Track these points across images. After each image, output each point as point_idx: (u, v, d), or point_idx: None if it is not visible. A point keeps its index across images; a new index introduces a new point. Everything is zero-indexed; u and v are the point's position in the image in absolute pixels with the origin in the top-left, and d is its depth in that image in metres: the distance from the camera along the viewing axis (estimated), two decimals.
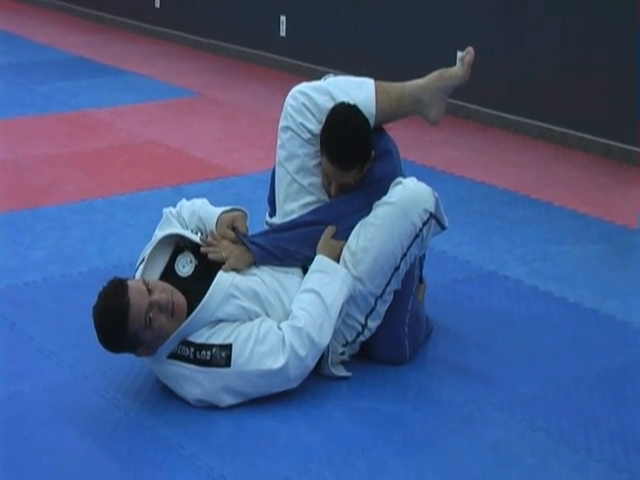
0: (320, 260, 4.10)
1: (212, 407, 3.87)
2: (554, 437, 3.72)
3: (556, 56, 7.22)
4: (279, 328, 3.89)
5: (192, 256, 4.10)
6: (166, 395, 3.96)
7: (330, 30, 8.85)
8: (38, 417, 3.86)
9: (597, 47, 6.96)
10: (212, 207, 4.36)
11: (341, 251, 4.15)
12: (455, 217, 4.58)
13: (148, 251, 4.15)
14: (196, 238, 4.16)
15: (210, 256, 4.06)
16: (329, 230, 4.18)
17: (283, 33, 9.39)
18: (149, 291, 3.80)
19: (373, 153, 4.26)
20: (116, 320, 3.75)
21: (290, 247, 4.19)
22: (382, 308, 4.15)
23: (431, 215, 4.14)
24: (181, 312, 3.86)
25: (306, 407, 3.89)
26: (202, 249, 4.09)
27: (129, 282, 3.83)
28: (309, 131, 4.28)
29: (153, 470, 3.55)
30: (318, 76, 4.86)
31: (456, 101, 7.84)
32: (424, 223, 4.12)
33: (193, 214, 4.32)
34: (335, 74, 4.56)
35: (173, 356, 3.86)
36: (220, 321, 3.88)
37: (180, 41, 10.61)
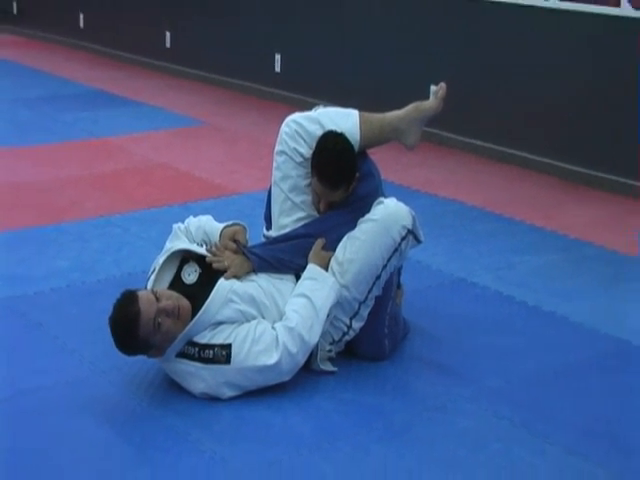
0: (311, 268, 4.10)
1: (214, 399, 3.86)
2: (516, 425, 3.71)
3: (517, 90, 7.22)
4: (273, 328, 3.90)
5: (197, 266, 4.11)
6: (174, 388, 3.95)
7: (319, 67, 8.86)
8: (62, 407, 3.85)
9: (544, 87, 6.98)
10: (215, 222, 4.38)
11: (329, 261, 4.15)
12: (429, 230, 4.57)
13: (160, 261, 4.15)
14: (202, 250, 4.16)
15: (214, 265, 4.07)
16: (319, 242, 4.19)
17: (278, 69, 9.39)
18: (157, 299, 3.80)
19: (357, 175, 4.26)
20: (128, 327, 3.76)
21: (285, 257, 4.20)
22: (365, 312, 4.14)
23: (409, 231, 4.15)
24: (186, 315, 3.87)
25: (297, 399, 3.88)
26: (207, 259, 4.10)
27: (139, 293, 3.83)
28: (301, 155, 4.29)
29: (162, 454, 3.54)
30: (309, 107, 4.85)
31: (431, 129, 7.84)
32: (402, 238, 4.13)
33: (199, 228, 4.35)
34: (324, 105, 4.57)
35: (180, 355, 3.86)
36: (221, 323, 3.88)
37: (187, 76, 10.61)
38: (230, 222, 4.35)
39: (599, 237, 5.74)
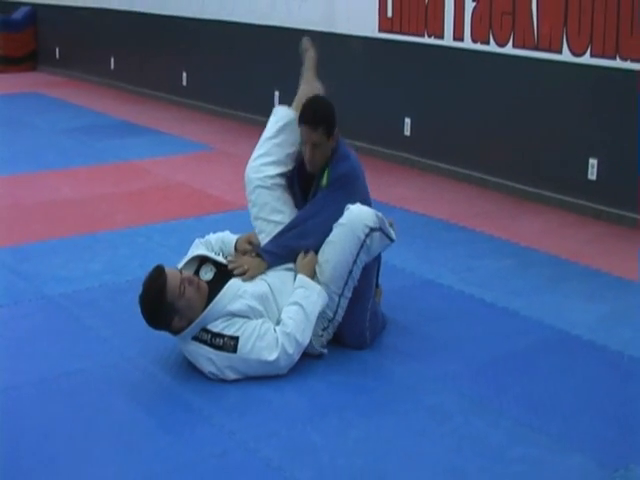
0: (301, 278, 4.09)
1: (223, 380, 3.87)
2: (475, 401, 3.72)
3: (477, 122, 7.25)
4: (275, 330, 3.91)
5: (212, 266, 4.15)
6: (189, 372, 3.96)
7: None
8: (96, 388, 3.86)
9: (498, 120, 7.01)
10: (231, 235, 4.43)
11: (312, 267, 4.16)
12: (403, 239, 4.58)
13: (182, 264, 4.18)
14: (219, 258, 4.20)
15: (236, 272, 4.08)
16: (302, 255, 4.17)
17: (277, 104, 9.38)
18: (181, 273, 3.91)
19: (336, 131, 4.30)
20: (158, 290, 3.80)
21: (293, 244, 4.20)
22: (344, 303, 4.14)
23: (371, 229, 4.12)
24: (204, 292, 3.93)
25: (294, 380, 3.89)
26: (229, 267, 4.11)
27: (165, 267, 3.91)
28: (271, 177, 4.31)
29: (179, 426, 3.55)
30: None
31: (403, 154, 7.86)
32: (366, 235, 4.10)
33: (218, 239, 4.39)
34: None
35: (195, 339, 3.87)
36: (232, 316, 3.88)
37: (200, 109, 10.61)
38: (243, 234, 4.41)
39: (545, 245, 5.74)
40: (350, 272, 4.11)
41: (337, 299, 4.13)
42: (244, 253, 4.25)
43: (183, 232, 5.88)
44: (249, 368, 3.87)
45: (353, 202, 4.19)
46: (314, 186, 4.37)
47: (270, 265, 4.17)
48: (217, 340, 3.85)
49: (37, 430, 3.51)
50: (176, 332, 3.91)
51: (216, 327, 3.86)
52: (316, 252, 4.19)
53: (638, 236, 5.93)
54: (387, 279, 4.68)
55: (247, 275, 4.07)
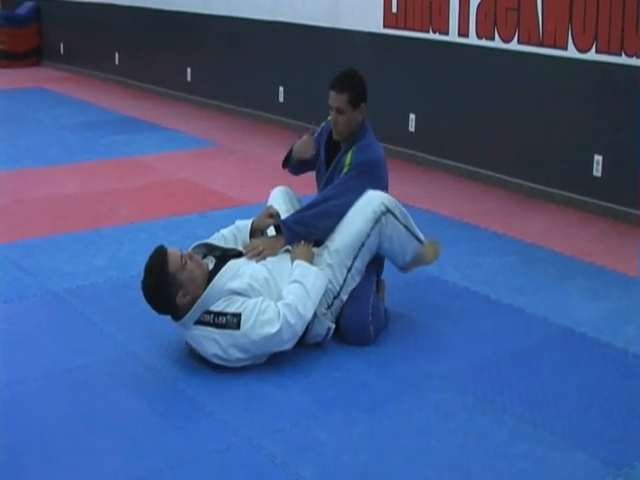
0: (298, 262, 4.13)
1: (227, 376, 3.86)
2: (479, 398, 3.72)
3: (482, 119, 7.24)
4: (276, 305, 3.91)
5: (212, 258, 4.17)
6: (193, 368, 3.96)
7: (316, 98, 8.85)
8: (100, 382, 3.87)
9: (504, 116, 7.00)
10: (244, 221, 4.43)
11: (312, 256, 4.20)
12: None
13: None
14: (226, 246, 4.23)
15: (251, 254, 4.12)
16: (297, 244, 4.23)
17: (281, 100, 9.40)
18: (180, 250, 3.94)
19: (363, 106, 4.43)
20: (160, 262, 3.83)
21: (311, 222, 4.25)
22: (351, 280, 4.19)
23: (387, 209, 4.21)
24: (205, 269, 3.96)
25: (297, 377, 3.89)
26: (244, 251, 4.16)
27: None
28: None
29: (183, 422, 3.55)
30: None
31: (407, 150, 7.86)
32: (382, 212, 4.20)
33: (230, 229, 4.37)
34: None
35: (197, 322, 3.87)
36: (233, 294, 3.88)
37: (205, 105, 10.61)
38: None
39: (550, 242, 5.74)
40: (362, 245, 4.18)
41: (345, 273, 4.18)
42: (266, 227, 4.29)
43: (187, 228, 5.88)
44: (253, 344, 3.86)
45: (374, 189, 4.31)
46: (336, 160, 4.47)
47: (286, 242, 4.23)
48: (220, 319, 3.85)
49: (41, 425, 3.51)
50: (179, 314, 3.89)
51: (218, 307, 3.86)
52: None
53: None
54: (391, 275, 4.67)
55: (262, 255, 4.13)
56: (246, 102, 9.97)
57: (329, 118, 4.61)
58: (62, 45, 13.97)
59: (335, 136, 4.50)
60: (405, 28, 7.72)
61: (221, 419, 3.54)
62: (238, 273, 3.95)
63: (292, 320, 3.89)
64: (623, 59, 6.01)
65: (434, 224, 6.11)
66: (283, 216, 4.39)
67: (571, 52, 6.35)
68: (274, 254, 4.19)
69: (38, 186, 7.11)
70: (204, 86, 10.69)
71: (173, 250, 3.91)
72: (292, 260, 4.18)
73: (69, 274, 5.10)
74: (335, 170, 4.48)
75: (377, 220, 4.19)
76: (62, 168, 7.72)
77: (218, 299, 3.88)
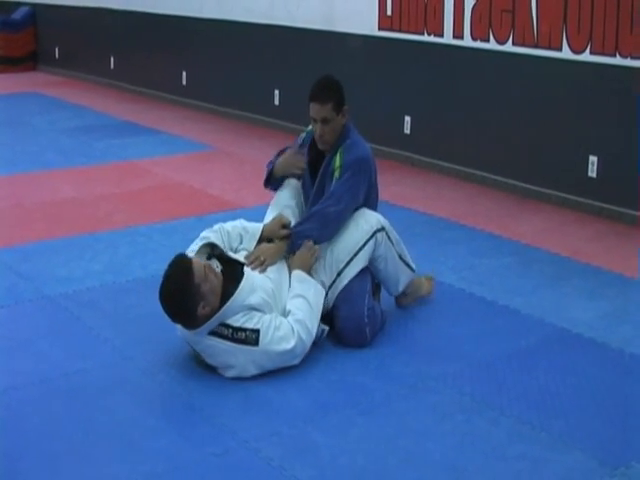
0: (297, 274, 4.16)
1: (224, 380, 3.87)
2: (476, 399, 3.73)
3: (477, 121, 7.25)
4: (289, 323, 3.93)
5: (217, 262, 4.13)
6: (190, 372, 3.96)
7: None
8: (96, 387, 3.86)
9: (500, 118, 7.01)
10: (251, 223, 4.39)
11: (311, 263, 4.22)
12: (403, 237, 4.57)
13: (195, 249, 4.15)
14: (230, 254, 4.20)
15: (253, 267, 4.11)
16: (304, 251, 4.22)
17: (277, 103, 9.40)
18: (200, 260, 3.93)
19: (345, 109, 4.41)
20: (185, 271, 3.77)
21: (314, 234, 4.26)
22: (337, 290, 4.21)
23: (383, 227, 4.31)
24: (221, 280, 3.91)
25: (294, 380, 3.89)
26: (247, 262, 4.13)
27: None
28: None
29: (180, 426, 3.55)
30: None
31: (403, 152, 7.86)
32: (378, 229, 4.29)
33: (235, 227, 4.32)
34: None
35: (212, 333, 3.83)
36: (251, 309, 3.88)
37: (200, 109, 10.61)
38: (271, 221, 4.39)
39: (546, 243, 5.75)
40: (356, 253, 4.24)
41: (334, 276, 4.24)
42: (278, 238, 4.26)
43: (183, 232, 5.87)
44: (269, 361, 3.88)
45: (368, 186, 4.40)
46: (324, 166, 4.45)
47: (289, 250, 4.25)
48: (239, 334, 3.84)
49: (38, 430, 3.51)
50: (195, 324, 3.84)
51: (237, 321, 3.85)
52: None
53: (639, 233, 5.93)
54: None
55: (265, 265, 4.13)
56: (242, 105, 9.97)
57: (308, 128, 4.61)
58: (57, 50, 13.97)
59: (321, 146, 4.45)
60: (400, 30, 7.72)
61: (218, 422, 3.54)
62: (254, 287, 3.97)
63: (304, 336, 3.94)
64: (617, 60, 6.02)
65: (430, 226, 6.12)
66: (292, 211, 4.47)
67: (566, 53, 6.36)
68: (274, 263, 4.19)
69: (34, 191, 7.11)
70: (199, 89, 10.69)
71: (196, 260, 3.88)
72: (291, 267, 4.20)
73: (66, 279, 5.10)
74: (325, 176, 4.44)
75: (373, 234, 4.28)
76: (58, 172, 7.71)
77: (236, 313, 3.86)
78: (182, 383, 3.87)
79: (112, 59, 12.45)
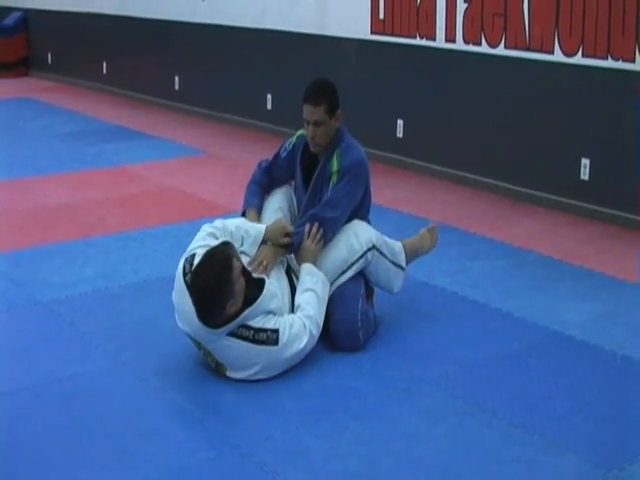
0: (307, 266, 4.19)
1: (217, 384, 3.87)
2: (469, 402, 3.73)
3: (470, 124, 7.26)
4: (300, 319, 3.97)
5: None
6: (183, 377, 3.96)
7: (302, 105, 8.87)
8: (89, 392, 3.86)
9: (492, 121, 7.02)
10: (253, 224, 4.35)
11: (317, 253, 4.25)
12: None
13: (193, 253, 4.05)
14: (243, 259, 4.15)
15: (259, 270, 4.10)
16: (306, 242, 4.24)
17: (269, 107, 9.41)
18: None
19: (339, 113, 4.41)
20: (226, 267, 3.75)
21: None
22: (331, 290, 4.24)
23: (374, 246, 4.33)
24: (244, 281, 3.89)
25: (287, 384, 3.89)
26: (251, 268, 4.08)
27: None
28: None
29: (174, 431, 3.55)
30: None
31: (395, 155, 7.87)
32: (369, 249, 4.30)
33: (238, 228, 4.26)
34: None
35: (232, 334, 3.81)
36: (269, 313, 3.90)
37: (193, 113, 10.61)
38: (270, 223, 4.35)
39: (539, 245, 5.76)
40: (343, 272, 4.26)
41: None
42: (279, 244, 4.23)
43: (176, 236, 5.88)
44: (286, 362, 3.91)
45: (364, 191, 4.43)
46: (319, 169, 4.44)
47: (290, 252, 4.27)
48: (261, 335, 3.84)
49: (31, 436, 3.50)
50: (218, 323, 3.80)
51: (257, 323, 3.85)
52: None
53: (631, 236, 5.95)
54: None
55: (267, 269, 4.15)
56: (234, 110, 9.97)
57: (299, 132, 4.61)
58: (50, 55, 13.96)
59: (313, 148, 4.43)
60: (392, 34, 7.74)
61: (211, 427, 3.54)
62: (274, 292, 4.00)
63: (314, 332, 3.99)
64: (609, 63, 6.03)
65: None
66: (284, 215, 4.50)
67: (558, 56, 6.38)
68: (273, 264, 4.20)
69: (27, 196, 7.10)
70: (192, 94, 10.69)
71: (235, 257, 3.86)
72: (298, 260, 4.24)
73: (58, 284, 5.09)
74: (321, 179, 4.43)
75: (363, 254, 4.29)
76: (51, 178, 7.71)
77: (256, 316, 3.87)
78: (174, 388, 3.86)
79: (104, 64, 12.45)
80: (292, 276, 4.26)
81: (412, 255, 4.68)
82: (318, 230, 4.25)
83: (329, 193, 4.34)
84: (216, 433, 3.50)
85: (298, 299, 4.09)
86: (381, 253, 4.37)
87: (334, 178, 4.36)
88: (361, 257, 4.28)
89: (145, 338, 4.33)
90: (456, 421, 3.59)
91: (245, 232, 4.26)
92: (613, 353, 4.19)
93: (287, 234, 4.26)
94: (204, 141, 9.20)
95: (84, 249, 5.73)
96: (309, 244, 4.25)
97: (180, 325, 4.00)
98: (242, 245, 4.24)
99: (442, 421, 3.59)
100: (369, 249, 4.29)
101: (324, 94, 4.38)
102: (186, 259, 4.03)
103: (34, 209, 6.74)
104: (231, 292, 3.76)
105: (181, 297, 3.93)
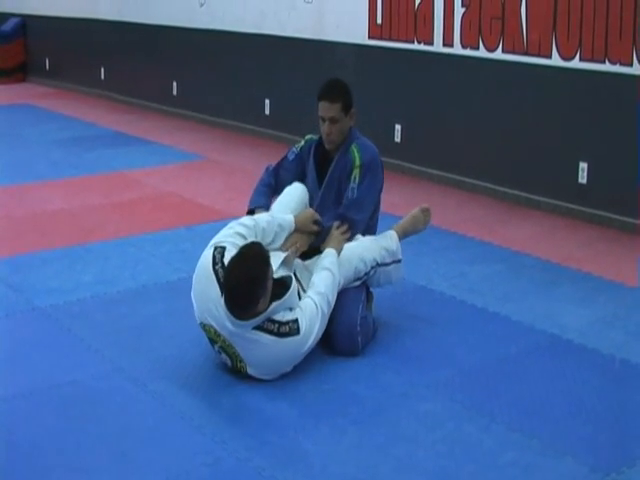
0: (330, 251, 4.24)
1: (214, 389, 3.87)
2: (467, 406, 3.73)
3: (467, 128, 7.27)
4: (310, 298, 4.01)
5: None
6: (181, 382, 3.96)
7: (301, 110, 8.88)
8: (87, 398, 3.86)
9: (489, 126, 7.03)
10: (282, 216, 4.37)
11: (343, 243, 4.32)
12: None
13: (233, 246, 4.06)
14: (258, 237, 4.17)
15: (297, 254, 4.23)
16: (334, 229, 4.33)
17: (267, 112, 9.42)
18: None
19: (353, 111, 4.52)
20: (265, 263, 3.80)
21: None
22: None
23: (377, 264, 4.39)
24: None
25: (285, 389, 3.89)
26: (289, 253, 4.19)
27: None
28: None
29: (172, 436, 3.54)
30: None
31: (393, 160, 7.87)
32: (372, 267, 4.38)
33: (270, 224, 4.26)
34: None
35: (258, 328, 3.82)
36: (290, 308, 3.93)
37: (191, 119, 10.62)
38: (296, 213, 4.41)
39: (535, 249, 5.76)
40: (340, 285, 4.27)
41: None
42: (309, 232, 4.33)
43: (174, 242, 5.88)
44: (308, 348, 3.95)
45: (381, 188, 4.56)
46: (335, 164, 4.51)
47: (318, 242, 4.35)
48: (284, 327, 3.86)
49: (29, 442, 3.50)
50: (247, 316, 3.80)
51: (281, 317, 3.87)
52: None
53: (630, 239, 5.96)
54: None
55: (299, 251, 4.26)
56: (232, 115, 9.98)
57: (307, 137, 4.70)
58: (48, 61, 13.98)
59: (328, 145, 4.54)
60: (390, 39, 7.75)
61: (209, 432, 3.54)
62: (296, 292, 4.03)
63: (325, 310, 4.03)
64: (607, 67, 6.05)
65: (420, 234, 6.11)
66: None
67: (555, 60, 6.39)
68: (305, 248, 4.31)
69: (25, 202, 7.10)
70: (190, 100, 10.70)
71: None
72: (324, 246, 4.29)
73: (56, 290, 5.09)
74: (337, 174, 4.50)
75: (366, 273, 4.36)
76: (49, 184, 7.71)
77: (280, 311, 3.89)
78: (173, 393, 3.86)
79: (102, 70, 12.47)
80: (299, 285, 4.25)
81: (403, 237, 4.70)
82: (347, 230, 4.36)
83: (355, 193, 4.43)
84: (213, 438, 3.50)
85: (314, 277, 4.13)
86: (384, 264, 4.41)
87: (356, 172, 4.45)
88: (364, 275, 4.36)
89: (143, 344, 4.33)
90: (454, 425, 3.59)
91: (278, 226, 4.29)
92: (611, 357, 4.20)
93: (316, 222, 4.35)
94: (202, 146, 9.21)
95: (82, 255, 5.73)
96: (337, 234, 4.33)
97: (198, 315, 4.00)
98: (273, 240, 4.25)
99: (440, 425, 3.59)
100: (373, 267, 4.37)
101: (339, 92, 4.48)
102: (215, 248, 4.02)
103: (32, 215, 6.74)
104: (265, 288, 3.79)
105: (206, 285, 3.92)
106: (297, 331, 3.88)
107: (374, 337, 4.39)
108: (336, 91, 4.48)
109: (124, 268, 5.46)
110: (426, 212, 4.84)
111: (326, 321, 4.05)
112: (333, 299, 4.10)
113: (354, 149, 4.50)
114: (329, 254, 4.23)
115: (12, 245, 5.99)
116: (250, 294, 3.75)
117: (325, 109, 4.46)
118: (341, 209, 4.43)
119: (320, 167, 4.59)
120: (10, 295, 5.05)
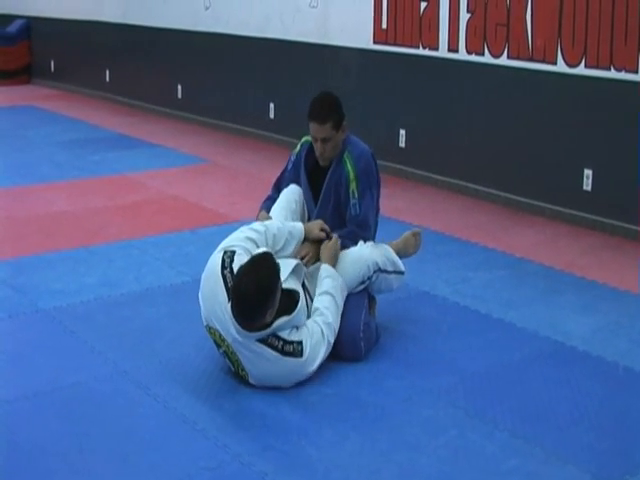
0: (326, 268, 4.23)
1: (217, 393, 3.87)
2: (470, 413, 3.73)
3: (471, 134, 7.27)
4: (318, 325, 3.99)
5: None
6: (184, 385, 3.95)
7: (305, 114, 8.87)
8: (90, 400, 3.86)
9: (492, 132, 7.03)
10: (292, 223, 4.38)
11: (337, 255, 4.32)
12: None
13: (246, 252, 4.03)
14: (269, 242, 4.16)
15: (310, 262, 4.29)
16: (332, 242, 4.32)
17: (272, 116, 9.42)
18: None
19: (345, 123, 4.45)
20: (277, 275, 3.78)
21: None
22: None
23: (379, 269, 4.39)
24: None
25: (287, 394, 3.88)
26: (304, 261, 4.25)
27: None
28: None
29: (174, 440, 3.54)
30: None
31: (397, 165, 7.88)
32: (374, 272, 4.37)
33: (280, 230, 4.24)
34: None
35: (261, 341, 3.81)
36: (296, 327, 3.92)
37: (195, 122, 10.63)
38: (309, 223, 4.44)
39: (540, 256, 5.76)
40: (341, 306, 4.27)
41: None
42: (317, 239, 4.35)
43: (178, 245, 5.88)
44: (309, 373, 3.93)
45: (378, 194, 4.57)
46: (330, 175, 4.50)
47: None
48: (288, 347, 3.85)
49: (31, 444, 3.50)
50: (253, 327, 3.78)
51: (287, 335, 3.86)
52: None
53: (633, 247, 5.95)
54: None
55: (310, 260, 4.29)
56: (236, 119, 9.99)
57: (303, 140, 4.68)
58: (53, 63, 13.99)
59: (323, 162, 4.51)
60: (395, 44, 7.75)
61: (212, 437, 3.54)
62: (305, 306, 4.03)
63: (331, 339, 4.04)
64: (612, 73, 6.05)
65: (424, 239, 6.07)
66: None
67: (560, 67, 6.39)
68: (314, 257, 4.34)
69: (28, 204, 7.11)
70: (195, 103, 10.71)
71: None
72: (322, 257, 4.30)
73: (60, 292, 5.09)
74: (332, 187, 4.49)
75: (369, 278, 4.36)
76: (52, 186, 7.71)
77: (286, 329, 3.88)
78: (175, 397, 3.86)
79: (107, 72, 12.47)
80: (307, 294, 4.24)
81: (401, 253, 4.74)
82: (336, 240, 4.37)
83: (358, 209, 4.46)
84: (216, 443, 3.50)
85: (317, 301, 4.12)
86: (385, 271, 4.42)
87: (353, 187, 4.45)
88: (366, 280, 4.36)
89: (147, 346, 4.33)
90: (457, 432, 3.59)
91: (289, 233, 4.28)
92: (615, 364, 4.19)
93: (323, 229, 4.37)
94: (206, 150, 9.21)
95: (86, 257, 5.74)
96: (331, 245, 4.32)
97: (205, 317, 3.99)
98: (283, 248, 4.23)
99: (443, 432, 3.59)
100: (374, 272, 4.37)
101: (329, 111, 4.41)
102: (225, 252, 3.99)
103: (36, 217, 6.74)
104: (273, 300, 3.76)
105: (214, 288, 3.90)
106: (300, 354, 3.86)
107: (377, 343, 4.38)
108: (325, 111, 4.40)
109: (128, 271, 5.46)
110: (417, 236, 4.84)
111: (329, 349, 4.03)
112: (337, 327, 4.10)
113: (346, 159, 4.46)
114: (329, 274, 4.20)
115: (15, 247, 5.99)
116: (258, 305, 3.72)
117: (316, 130, 4.41)
118: (350, 227, 4.47)
119: (312, 178, 4.58)
120: (14, 297, 5.06)
